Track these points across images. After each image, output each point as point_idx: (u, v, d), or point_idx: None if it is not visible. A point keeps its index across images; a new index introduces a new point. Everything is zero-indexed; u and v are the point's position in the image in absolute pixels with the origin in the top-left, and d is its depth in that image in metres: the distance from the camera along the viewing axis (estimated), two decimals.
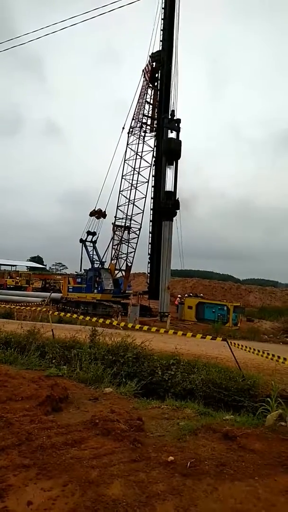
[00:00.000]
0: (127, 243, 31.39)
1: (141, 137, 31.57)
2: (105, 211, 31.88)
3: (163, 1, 30.70)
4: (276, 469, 4.33)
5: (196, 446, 4.92)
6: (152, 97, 32.41)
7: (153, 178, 31.71)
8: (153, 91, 32.36)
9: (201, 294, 37.64)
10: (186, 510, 3.52)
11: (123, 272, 31.29)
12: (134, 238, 31.52)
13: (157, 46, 31.48)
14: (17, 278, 48.74)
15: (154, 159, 31.73)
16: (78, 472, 4.06)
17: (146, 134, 31.94)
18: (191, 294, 36.44)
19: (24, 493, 3.65)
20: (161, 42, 31.24)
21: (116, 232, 31.08)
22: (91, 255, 32.04)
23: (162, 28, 31.04)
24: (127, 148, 31.60)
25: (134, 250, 31.49)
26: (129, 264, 31.32)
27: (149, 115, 32.32)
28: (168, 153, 28.90)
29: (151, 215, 31.85)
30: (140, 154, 31.36)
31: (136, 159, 31.31)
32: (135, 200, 31.14)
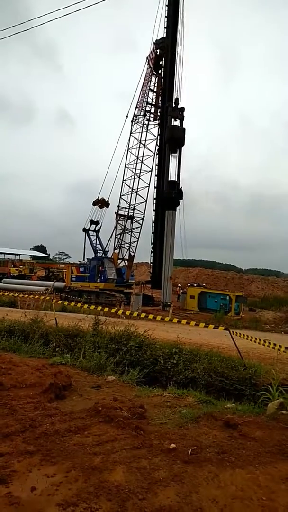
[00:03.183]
0: (130, 233, 31.36)
1: (145, 126, 31.34)
2: (108, 200, 31.84)
3: None
4: (277, 457, 4.37)
5: (197, 433, 4.97)
6: (156, 85, 32.04)
7: (157, 167, 31.53)
8: (157, 78, 31.97)
9: (204, 284, 37.68)
10: (188, 496, 3.57)
11: (126, 262, 31.32)
12: (137, 227, 31.50)
13: (162, 33, 31.08)
14: (21, 267, 48.86)
15: (157, 147, 31.53)
16: (81, 458, 4.11)
17: (150, 123, 31.70)
18: (193, 284, 36.49)
19: (28, 479, 3.71)
20: (165, 29, 30.81)
21: (119, 222, 31.03)
22: (94, 244, 32.07)
23: (166, 15, 30.58)
24: (131, 136, 31.39)
25: (137, 239, 31.49)
26: (132, 254, 31.35)
27: (153, 103, 31.99)
28: (171, 140, 28.61)
29: (154, 205, 31.77)
30: (143, 142, 31.16)
31: (139, 147, 31.12)
32: (138, 189, 31.02)
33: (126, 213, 31.22)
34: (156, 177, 31.57)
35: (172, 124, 28.96)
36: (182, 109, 29.24)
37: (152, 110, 31.94)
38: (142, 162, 31.02)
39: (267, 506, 3.48)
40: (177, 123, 29.26)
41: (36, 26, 14.50)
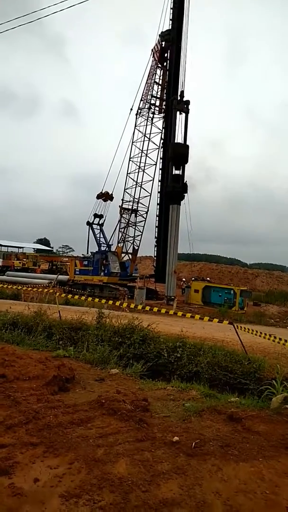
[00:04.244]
0: (134, 226, 31.29)
1: (149, 119, 31.16)
2: (112, 194, 31.76)
3: None
4: (280, 451, 4.36)
5: (201, 427, 4.96)
6: (161, 78, 31.82)
7: (161, 160, 31.39)
8: (162, 71, 31.73)
9: (208, 278, 37.62)
10: (191, 489, 3.56)
11: (130, 255, 31.29)
12: (141, 221, 31.42)
13: (167, 25, 30.78)
14: (24, 260, 48.93)
15: (162, 141, 31.36)
16: (84, 450, 4.11)
17: (155, 116, 31.51)
18: (198, 278, 36.47)
19: (31, 470, 3.71)
20: (170, 21, 30.51)
21: (123, 215, 30.96)
22: (98, 238, 32.06)
23: (172, 7, 30.28)
24: (135, 129, 31.23)
25: (141, 233, 31.44)
26: (136, 247, 31.30)
27: (158, 96, 31.78)
28: (175, 158, 28.35)
29: (159, 198, 31.65)
30: (148, 136, 31.00)
31: (144, 141, 30.97)
32: (143, 183, 30.92)
33: (130, 207, 31.14)
34: (160, 171, 31.45)
35: (177, 118, 28.74)
36: (187, 102, 29.01)
37: (157, 103, 31.77)
38: (146, 155, 30.92)
39: (271, 499, 3.47)
40: (182, 116, 29.07)
41: (40, 18, 14.49)
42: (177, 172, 28.50)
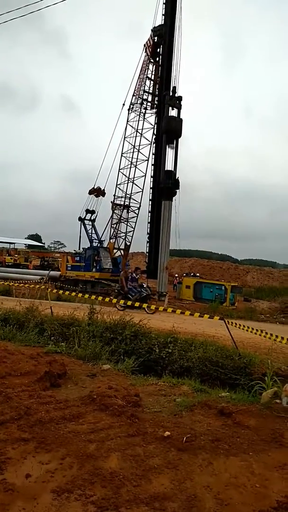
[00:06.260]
0: (126, 222, 31.21)
1: (142, 114, 30.99)
2: (104, 189, 31.62)
3: None
4: (270, 445, 4.41)
5: (192, 422, 5.00)
6: (153, 73, 31.60)
7: (153, 156, 31.28)
8: (154, 66, 31.51)
9: (197, 274, 37.70)
10: (182, 483, 3.59)
11: (122, 251, 31.25)
12: (133, 217, 31.32)
13: (160, 20, 30.50)
14: (16, 255, 48.69)
15: (154, 136, 31.26)
16: (76, 446, 4.12)
17: (147, 111, 31.30)
18: (190, 274, 36.56)
19: (22, 466, 3.71)
20: (163, 16, 30.29)
21: (115, 211, 30.86)
22: (90, 234, 31.94)
23: (164, 2, 30.04)
24: (127, 125, 31.06)
25: (133, 229, 31.35)
26: (128, 243, 31.25)
27: (150, 91, 31.58)
28: (168, 132, 28.19)
29: (151, 194, 31.57)
30: (140, 131, 30.85)
31: (136, 136, 30.83)
32: (135, 179, 30.80)
33: (122, 203, 31.05)
34: (152, 167, 31.35)
35: (169, 114, 28.63)
36: (180, 98, 28.85)
37: (149, 98, 31.55)
38: (138, 151, 30.77)
39: (261, 493, 3.52)
40: (175, 112, 28.97)
41: (33, 12, 14.28)
42: (170, 148, 28.03)
